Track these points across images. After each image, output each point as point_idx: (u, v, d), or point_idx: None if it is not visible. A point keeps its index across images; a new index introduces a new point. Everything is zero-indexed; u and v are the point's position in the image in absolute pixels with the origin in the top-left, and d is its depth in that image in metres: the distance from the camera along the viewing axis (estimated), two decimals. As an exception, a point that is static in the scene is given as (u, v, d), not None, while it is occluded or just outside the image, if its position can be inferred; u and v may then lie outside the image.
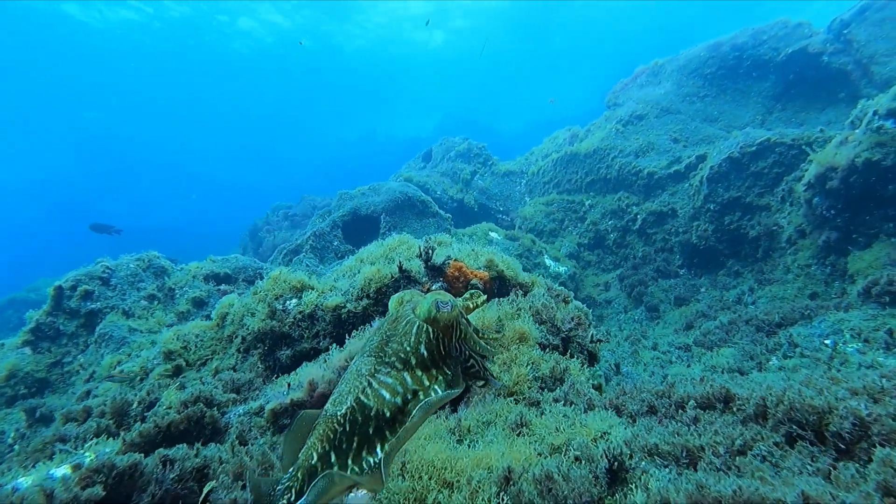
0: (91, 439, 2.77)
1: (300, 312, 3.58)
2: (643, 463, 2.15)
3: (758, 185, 11.52)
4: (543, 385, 2.83)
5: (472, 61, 57.39)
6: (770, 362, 6.65)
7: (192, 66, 52.13)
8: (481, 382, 1.91)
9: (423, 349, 1.70)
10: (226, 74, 55.98)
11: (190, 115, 72.12)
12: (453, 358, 1.76)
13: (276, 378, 3.36)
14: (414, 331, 1.72)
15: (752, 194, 11.53)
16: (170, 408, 2.89)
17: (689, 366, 7.41)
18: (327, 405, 1.66)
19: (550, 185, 15.94)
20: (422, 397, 1.62)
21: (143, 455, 2.18)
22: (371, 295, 3.59)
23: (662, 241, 13.09)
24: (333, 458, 1.54)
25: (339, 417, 1.58)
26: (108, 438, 3.09)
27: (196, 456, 2.42)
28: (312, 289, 3.74)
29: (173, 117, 72.61)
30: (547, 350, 3.10)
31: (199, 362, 3.92)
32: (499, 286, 4.24)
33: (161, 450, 2.26)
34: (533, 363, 2.92)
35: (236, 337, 3.86)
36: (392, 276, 3.69)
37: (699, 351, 7.83)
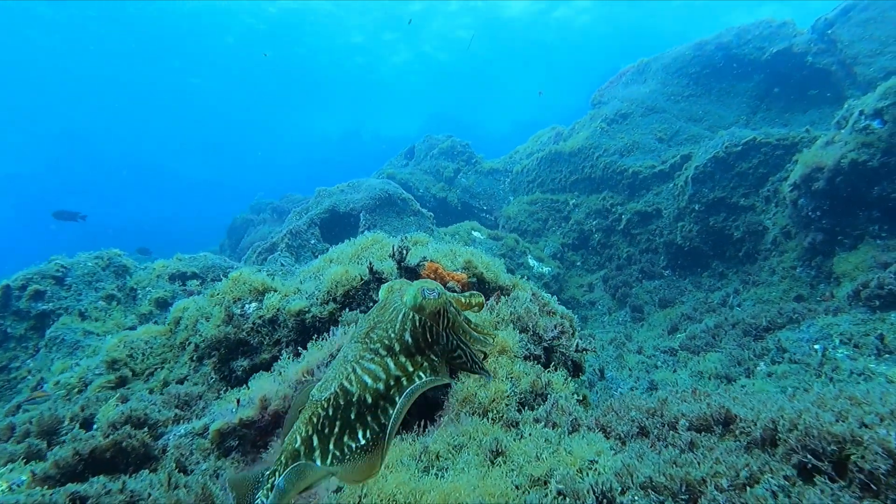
0: (5, 464, 2.40)
1: (260, 317, 3.23)
2: (637, 499, 1.85)
3: (743, 185, 11.41)
4: (523, 402, 2.53)
5: (458, 61, 57.10)
6: (758, 368, 6.46)
7: (172, 59, 50.97)
8: (473, 374, 1.87)
9: (407, 336, 1.68)
10: (206, 68, 54.87)
11: (168, 110, 70.56)
12: (440, 346, 1.74)
13: (227, 392, 3.01)
14: (399, 318, 1.71)
15: (738, 195, 11.42)
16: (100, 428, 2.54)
17: (675, 371, 7.19)
18: (314, 391, 1.67)
19: (535, 184, 15.71)
20: (405, 384, 1.61)
21: (48, 492, 1.83)
22: (338, 298, 3.25)
23: (647, 242, 12.93)
24: (316, 443, 1.55)
25: (322, 402, 1.59)
26: (37, 462, 2.73)
27: (121, 491, 2.06)
28: (275, 291, 3.39)
29: (150, 113, 70.97)
30: (528, 361, 2.80)
31: (147, 372, 3.53)
32: (478, 289, 3.93)
33: (72, 485, 1.91)
34: (512, 377, 2.62)
35: (189, 344, 3.48)
36: (361, 278, 3.36)
37: (685, 355, 7.63)
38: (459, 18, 46.07)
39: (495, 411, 2.39)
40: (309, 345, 2.70)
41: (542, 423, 2.33)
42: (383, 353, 1.65)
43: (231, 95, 68.07)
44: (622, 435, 2.42)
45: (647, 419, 2.52)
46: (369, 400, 1.57)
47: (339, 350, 2.59)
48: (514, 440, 2.23)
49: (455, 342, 1.78)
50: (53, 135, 65.20)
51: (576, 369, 3.16)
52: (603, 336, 10.52)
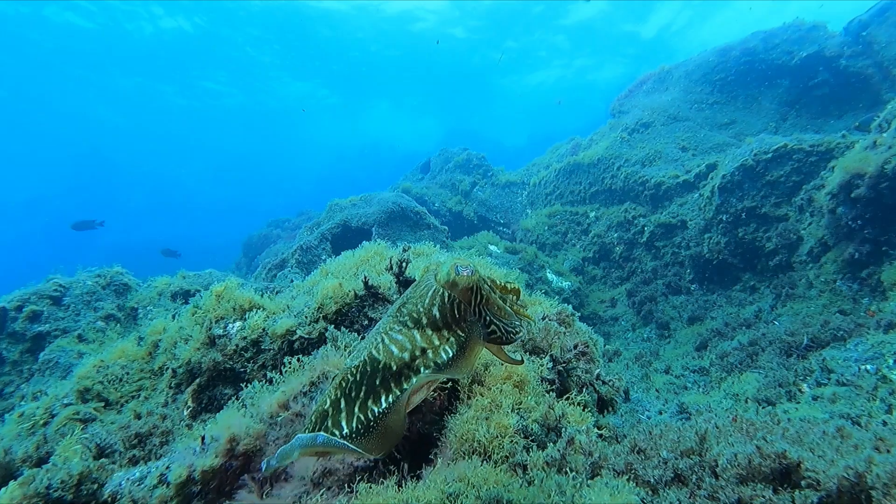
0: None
1: (243, 338, 2.90)
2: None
3: (774, 194, 10.80)
4: (532, 439, 2.12)
5: (475, 74, 57.27)
6: (802, 390, 5.89)
7: (192, 78, 52.22)
8: (507, 345, 1.86)
9: (435, 311, 1.72)
10: (224, 85, 56.02)
11: (185, 129, 72.21)
12: (469, 322, 1.75)
13: (192, 424, 2.66)
14: (430, 293, 1.76)
15: (769, 204, 10.81)
16: (56, 469, 2.21)
17: (707, 393, 6.65)
18: (347, 360, 1.81)
19: (553, 196, 15.28)
20: (430, 356, 1.67)
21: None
22: (329, 316, 2.90)
23: (672, 255, 12.35)
24: (343, 405, 1.64)
25: (351, 369, 1.69)
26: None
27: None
28: (262, 309, 3.06)
29: (169, 132, 72.72)
30: (541, 386, 2.40)
31: (122, 401, 3.21)
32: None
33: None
34: (520, 408, 2.22)
35: (167, 369, 3.16)
36: (355, 294, 3.01)
37: (717, 374, 7.07)
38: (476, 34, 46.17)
39: (499, 451, 2.00)
40: (285, 370, 2.36)
41: (556, 467, 1.93)
42: (411, 325, 1.71)
43: (251, 112, 69.45)
44: (653, 482, 2.00)
45: (683, 460, 2.09)
46: (394, 368, 1.64)
47: (320, 376, 2.23)
48: (520, 488, 1.83)
49: (489, 318, 1.79)
50: (77, 156, 67.20)
51: (601, 404, 2.74)
52: (627, 354, 9.97)
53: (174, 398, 3.01)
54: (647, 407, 6.61)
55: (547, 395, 2.40)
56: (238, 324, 2.89)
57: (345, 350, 2.37)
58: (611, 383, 2.72)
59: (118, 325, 6.49)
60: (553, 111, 65.24)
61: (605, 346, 10.59)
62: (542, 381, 2.42)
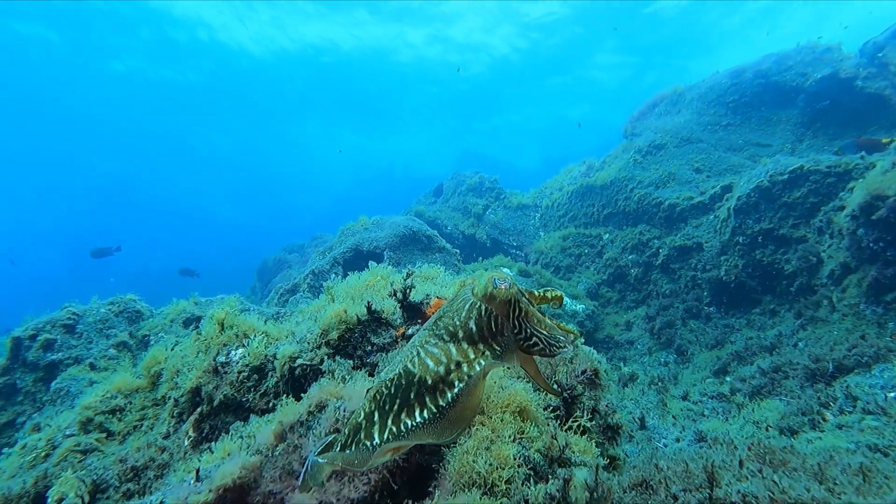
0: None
1: (246, 365, 2.88)
2: None
3: (791, 215, 10.61)
4: (534, 469, 2.06)
5: (490, 99, 58.00)
6: (827, 419, 5.66)
7: (206, 103, 53.67)
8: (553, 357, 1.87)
9: (472, 324, 1.72)
10: (240, 110, 57.48)
11: (203, 155, 73.95)
12: (505, 336, 1.74)
13: (192, 455, 2.62)
14: (466, 307, 1.76)
15: (786, 226, 10.61)
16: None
17: (726, 420, 6.43)
18: (382, 374, 1.77)
19: (566, 219, 15.22)
20: (465, 369, 1.65)
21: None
22: (332, 342, 2.87)
23: (688, 278, 12.14)
24: (377, 418, 1.65)
25: (386, 382, 1.69)
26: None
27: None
28: (265, 335, 3.04)
29: (186, 158, 74.51)
30: (544, 414, 2.34)
31: (125, 431, 3.18)
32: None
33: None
34: (522, 437, 2.16)
35: (169, 398, 3.14)
36: (359, 319, 2.99)
37: (737, 401, 6.85)
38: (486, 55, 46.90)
39: (499, 485, 1.93)
40: (279, 404, 2.33)
41: (557, 503, 1.85)
42: (447, 338, 1.70)
43: (268, 138, 71.02)
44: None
45: (690, 495, 2.00)
46: (429, 381, 1.63)
47: (317, 406, 2.20)
48: (521, 524, 1.76)
49: (529, 330, 1.77)
50: (100, 183, 69.00)
51: (609, 432, 2.65)
52: (644, 378, 9.73)
53: (176, 428, 2.98)
54: (663, 434, 6.42)
55: (550, 423, 2.33)
56: (240, 351, 2.87)
57: (341, 381, 2.33)
58: (614, 414, 2.63)
59: (129, 353, 6.52)
60: (567, 133, 65.57)
61: (622, 369, 10.37)
62: (545, 409, 2.36)
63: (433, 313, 3.38)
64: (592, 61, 46.68)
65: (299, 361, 2.68)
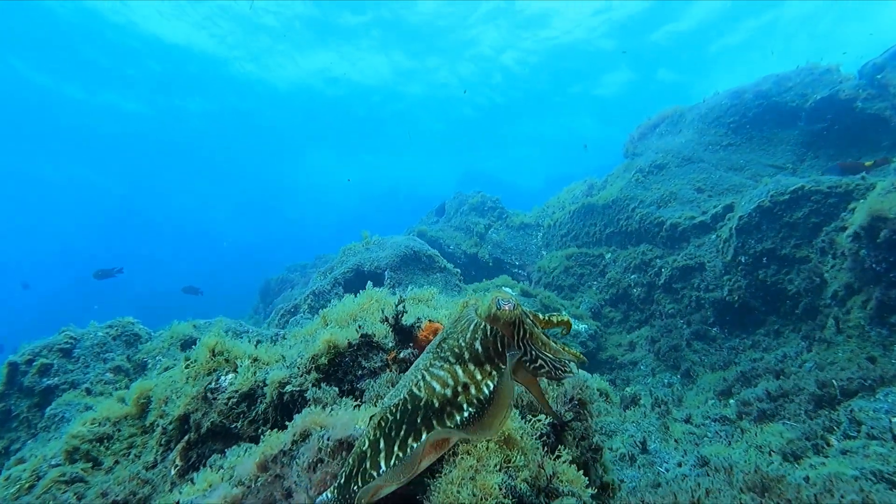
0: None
1: (236, 391, 2.87)
2: None
3: (794, 235, 10.58)
4: (520, 502, 2.03)
5: (493, 119, 58.57)
6: (831, 444, 5.56)
7: (212, 124, 54.43)
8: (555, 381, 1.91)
9: (477, 345, 1.68)
10: (245, 130, 58.24)
11: (211, 177, 74.76)
12: (510, 354, 1.69)
13: (176, 483, 2.58)
14: (471, 327, 1.73)
15: (788, 246, 10.57)
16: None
17: (729, 444, 6.33)
18: (385, 399, 1.73)
19: (568, 238, 15.22)
20: (473, 391, 1.62)
21: None
22: (322, 367, 2.87)
23: (691, 298, 12.06)
24: (382, 445, 1.61)
25: (391, 407, 1.65)
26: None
27: None
28: (256, 360, 3.03)
29: (194, 181, 75.30)
30: (531, 442, 2.31)
31: (112, 460, 3.13)
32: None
33: None
34: (508, 466, 2.13)
35: (157, 426, 3.10)
36: (349, 343, 2.99)
37: (741, 424, 6.75)
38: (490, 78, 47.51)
39: (485, 516, 1.91)
40: (262, 436, 2.32)
41: (543, 535, 1.83)
42: (452, 360, 1.66)
43: (275, 161, 71.82)
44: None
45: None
46: (436, 405, 1.59)
47: (302, 434, 2.19)
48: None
49: (535, 353, 1.74)
50: (107, 209, 69.71)
51: (599, 458, 2.62)
52: (646, 400, 9.61)
53: (164, 456, 2.94)
54: (665, 458, 6.32)
55: (538, 451, 2.31)
56: (230, 376, 2.86)
57: (326, 408, 2.32)
58: (598, 448, 2.60)
59: (126, 377, 6.48)
60: (570, 152, 65.92)
61: (624, 391, 10.24)
62: (532, 436, 2.33)
63: (425, 336, 3.38)
64: (599, 80, 47.21)
65: (289, 388, 2.67)
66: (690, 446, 6.51)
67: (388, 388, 2.86)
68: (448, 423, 1.56)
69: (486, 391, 1.61)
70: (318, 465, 1.96)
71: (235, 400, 2.75)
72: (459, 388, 1.60)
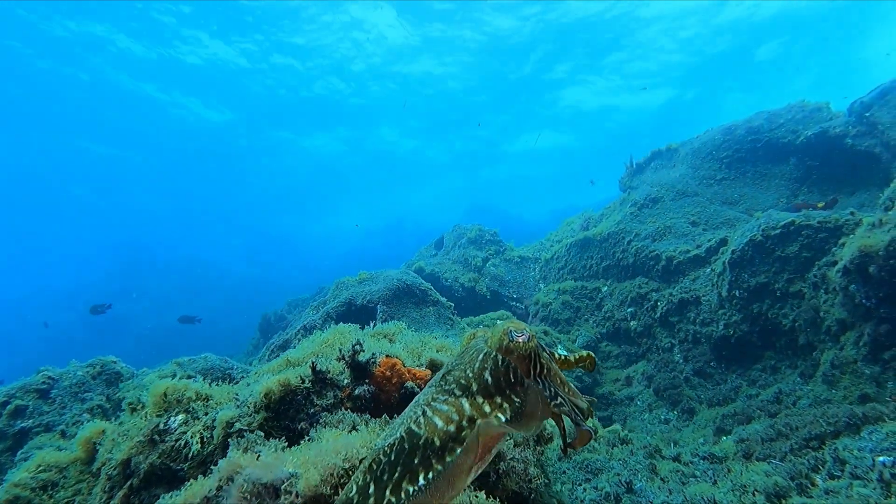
0: None
1: (183, 433, 2.90)
2: None
3: (787, 270, 10.56)
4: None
5: (497, 150, 59.45)
6: (816, 484, 5.46)
7: (214, 163, 55.55)
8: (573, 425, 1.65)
9: (487, 375, 1.53)
10: (247, 169, 59.36)
11: (216, 213, 75.81)
12: (526, 385, 1.54)
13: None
14: (480, 357, 1.58)
15: (781, 280, 10.54)
16: None
17: (715, 483, 6.21)
18: (378, 440, 1.61)
19: (565, 271, 15.26)
20: (479, 424, 1.44)
21: None
22: (272, 406, 2.92)
23: (688, 332, 11.97)
24: (372, 490, 1.45)
25: (385, 448, 1.50)
26: None
27: None
28: (208, 399, 3.08)
29: (198, 217, 76.40)
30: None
31: (56, 510, 3.11)
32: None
33: None
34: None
35: (102, 472, 3.09)
36: (302, 380, 3.05)
37: (729, 464, 6.63)
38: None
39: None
40: (186, 485, 2.33)
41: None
42: (458, 392, 1.52)
43: (280, 193, 72.94)
44: None
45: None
46: (437, 443, 1.42)
47: (227, 479, 2.21)
48: None
49: (553, 390, 1.58)
50: (113, 245, 70.58)
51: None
52: (643, 438, 9.45)
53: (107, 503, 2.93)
54: (650, 498, 6.20)
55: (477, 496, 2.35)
56: (180, 417, 2.90)
57: (249, 451, 2.34)
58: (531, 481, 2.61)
59: (104, 417, 6.43)
60: (574, 186, 66.45)
61: (620, 432, 10.09)
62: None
63: (381, 372, 3.44)
64: (607, 113, 47.99)
65: (237, 426, 2.72)
66: (676, 485, 6.40)
67: (337, 426, 2.88)
68: (448, 459, 1.39)
69: (496, 423, 1.44)
70: None
71: (184, 441, 2.79)
72: (465, 423, 1.43)
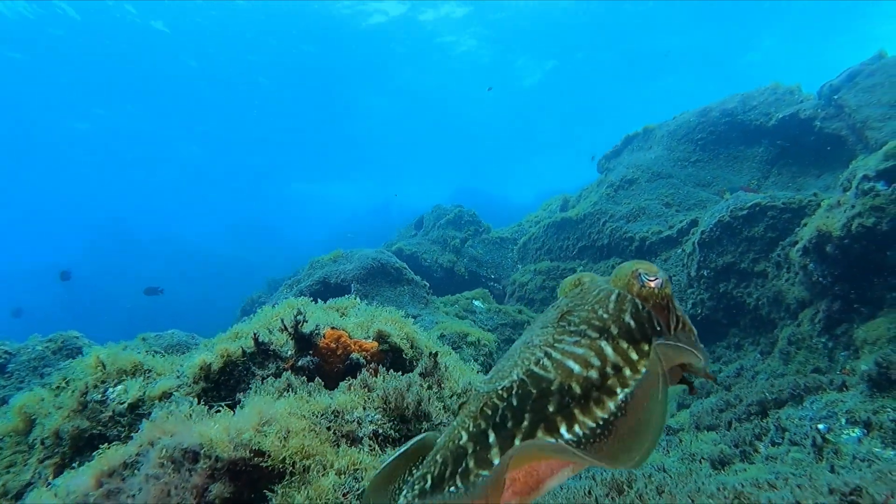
0: None
1: (121, 403, 2.97)
2: None
3: (752, 250, 10.84)
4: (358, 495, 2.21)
5: (485, 132, 59.22)
6: (759, 451, 5.75)
7: (197, 138, 54.65)
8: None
9: (628, 318, 1.29)
10: (231, 143, 58.51)
11: (193, 190, 74.75)
12: (675, 335, 1.32)
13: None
14: (613, 297, 1.34)
15: (747, 260, 10.83)
16: None
17: (667, 453, 6.50)
18: (479, 385, 1.34)
19: (542, 252, 15.46)
20: (628, 373, 1.20)
21: None
22: (212, 377, 3.02)
23: (658, 311, 12.26)
24: (493, 438, 1.20)
25: (499, 392, 1.25)
26: None
27: None
28: (150, 371, 3.16)
29: (183, 199, 75.31)
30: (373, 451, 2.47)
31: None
32: (393, 363, 3.66)
33: None
34: (355, 469, 2.31)
35: (37, 441, 3.14)
36: (243, 352, 3.16)
37: (682, 435, 6.93)
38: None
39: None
40: (98, 452, 2.26)
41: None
42: (593, 335, 1.28)
43: (265, 174, 72.11)
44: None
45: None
46: (577, 390, 1.21)
47: (149, 444, 2.24)
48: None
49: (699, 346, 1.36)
50: (93, 224, 69.43)
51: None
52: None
53: (41, 474, 2.99)
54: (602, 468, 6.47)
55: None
56: (119, 387, 2.97)
57: (172, 417, 2.38)
58: None
59: (63, 393, 6.39)
60: (560, 167, 66.49)
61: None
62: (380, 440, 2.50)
63: (326, 344, 3.55)
64: (595, 94, 47.86)
65: (175, 396, 2.83)
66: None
67: (276, 393, 2.97)
68: (598, 413, 1.18)
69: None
70: (159, 476, 1.98)
71: (121, 411, 2.87)
72: (609, 370, 1.22)
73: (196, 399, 2.87)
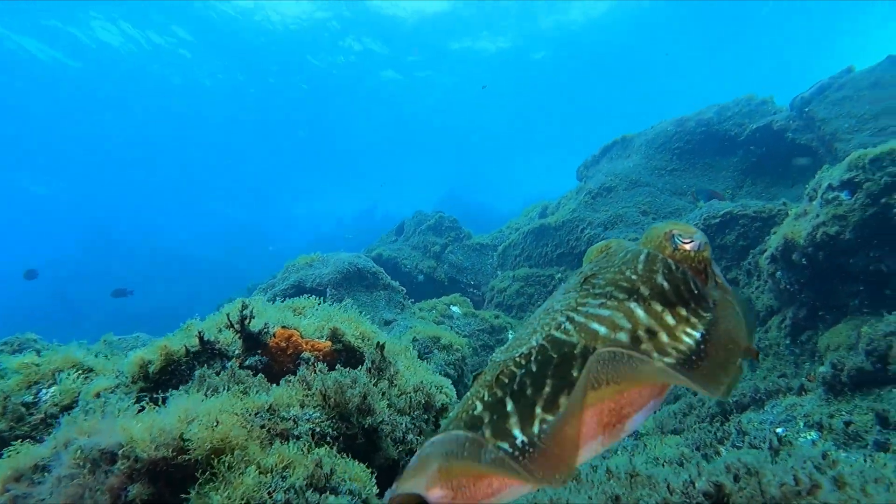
0: None
1: (55, 405, 2.91)
2: None
3: (725, 258, 11.01)
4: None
5: (473, 135, 59.51)
6: (720, 454, 5.81)
7: (188, 142, 54.25)
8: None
9: (660, 279, 1.16)
10: (219, 149, 58.18)
11: (179, 195, 74.15)
12: (720, 297, 1.20)
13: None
14: (642, 258, 1.22)
15: (720, 268, 10.97)
16: None
17: (633, 456, 6.53)
18: (495, 354, 1.19)
19: (521, 258, 15.52)
20: (664, 339, 1.05)
21: None
22: (151, 375, 2.97)
23: (633, 317, 12.38)
24: (511, 407, 1.03)
25: (517, 359, 1.10)
26: None
27: None
28: (90, 371, 3.11)
29: (169, 205, 74.65)
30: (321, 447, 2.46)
31: None
32: (347, 361, 3.65)
33: None
34: (279, 466, 2.28)
35: None
36: (187, 350, 3.12)
37: (647, 440, 6.98)
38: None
39: None
40: (9, 450, 2.18)
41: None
42: (621, 296, 1.14)
43: (253, 179, 71.71)
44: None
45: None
46: None
47: (65, 445, 2.18)
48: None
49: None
50: (84, 225, 68.46)
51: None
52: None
53: None
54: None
55: (328, 449, 2.46)
56: (53, 388, 2.90)
57: (92, 417, 2.32)
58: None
59: None
60: (545, 176, 66.99)
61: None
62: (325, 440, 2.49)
63: (276, 344, 3.52)
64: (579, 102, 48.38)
65: (110, 396, 2.78)
66: (598, 459, 6.69)
67: (230, 384, 2.91)
68: None
69: (690, 341, 1.07)
70: (74, 477, 1.91)
71: (53, 413, 2.80)
72: (641, 333, 1.08)
73: (135, 401, 2.82)
